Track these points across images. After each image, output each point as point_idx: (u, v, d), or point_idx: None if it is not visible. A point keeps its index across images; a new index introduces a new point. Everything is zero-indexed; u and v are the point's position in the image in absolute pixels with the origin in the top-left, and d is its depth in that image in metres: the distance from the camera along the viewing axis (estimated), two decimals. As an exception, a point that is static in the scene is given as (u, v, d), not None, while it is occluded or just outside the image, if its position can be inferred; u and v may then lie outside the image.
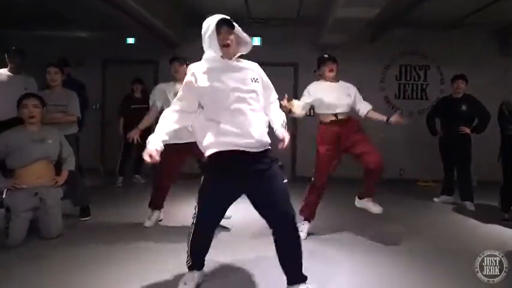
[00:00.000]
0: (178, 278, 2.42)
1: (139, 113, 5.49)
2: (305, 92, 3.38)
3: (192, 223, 2.24)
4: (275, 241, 2.13)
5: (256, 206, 2.13)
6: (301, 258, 2.14)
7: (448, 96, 5.06)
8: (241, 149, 2.02)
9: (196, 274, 2.36)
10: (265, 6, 5.28)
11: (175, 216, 4.00)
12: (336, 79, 3.42)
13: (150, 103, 3.81)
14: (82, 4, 4.90)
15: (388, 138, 6.14)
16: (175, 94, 3.38)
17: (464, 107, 4.72)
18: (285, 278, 2.17)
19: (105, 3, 4.35)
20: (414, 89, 6.73)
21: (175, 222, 3.80)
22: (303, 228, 3.34)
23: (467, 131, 4.72)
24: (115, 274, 2.60)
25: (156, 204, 3.71)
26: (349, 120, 3.34)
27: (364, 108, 3.45)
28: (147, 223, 3.65)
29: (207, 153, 2.10)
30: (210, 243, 2.31)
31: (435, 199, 5.13)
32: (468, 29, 6.27)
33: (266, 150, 2.12)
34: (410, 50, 6.63)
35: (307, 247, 2.44)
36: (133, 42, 6.47)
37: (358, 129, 3.33)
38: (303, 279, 2.15)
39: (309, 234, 3.43)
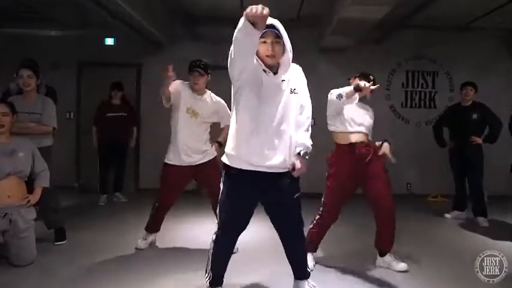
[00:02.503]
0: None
1: (116, 123, 5.48)
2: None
3: (215, 233, 2.39)
4: (283, 243, 2.51)
5: (268, 213, 2.44)
6: (306, 258, 2.59)
7: (456, 105, 5.09)
8: (267, 171, 2.22)
9: None
10: (263, 4, 5.23)
11: (169, 239, 3.88)
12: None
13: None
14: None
15: (395, 151, 6.10)
16: (191, 108, 3.39)
17: (475, 116, 4.76)
18: None
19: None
20: (422, 97, 6.73)
21: (166, 245, 3.73)
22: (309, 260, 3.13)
23: (480, 141, 4.75)
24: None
25: (153, 228, 3.65)
26: (367, 146, 3.16)
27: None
28: (141, 244, 3.57)
29: (231, 163, 2.26)
30: (230, 257, 2.45)
31: (446, 215, 5.13)
32: (478, 33, 6.34)
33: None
34: (417, 54, 6.65)
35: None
36: (112, 43, 6.32)
37: (378, 160, 3.14)
38: (307, 276, 2.57)
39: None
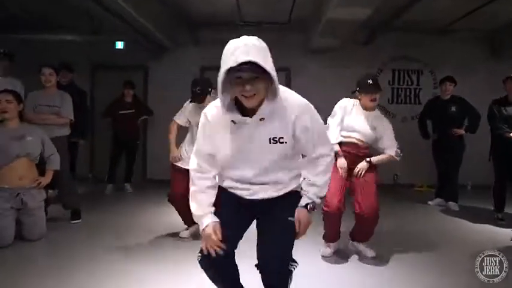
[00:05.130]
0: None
1: (127, 119, 5.66)
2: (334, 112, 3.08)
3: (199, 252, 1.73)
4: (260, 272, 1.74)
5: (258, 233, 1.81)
6: None
7: (436, 98, 5.17)
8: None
9: None
10: (257, 9, 5.35)
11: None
12: (374, 108, 3.10)
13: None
14: (70, 6, 4.90)
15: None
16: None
17: (453, 108, 4.82)
18: None
19: (94, 4, 4.35)
20: (407, 93, 6.81)
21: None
22: (326, 251, 3.13)
23: (461, 132, 4.81)
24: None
25: (187, 221, 3.52)
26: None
27: (387, 151, 3.06)
28: (183, 233, 3.52)
29: (219, 182, 1.82)
30: (236, 273, 1.85)
31: (430, 202, 5.21)
32: (459, 33, 6.38)
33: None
34: (402, 54, 6.71)
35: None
36: (122, 47, 6.47)
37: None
38: None
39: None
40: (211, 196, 1.75)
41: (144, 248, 3.25)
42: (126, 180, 5.82)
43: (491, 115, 4.28)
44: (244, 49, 1.44)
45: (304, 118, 1.62)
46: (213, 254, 1.61)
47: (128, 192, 5.72)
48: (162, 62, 6.61)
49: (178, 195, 3.26)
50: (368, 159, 3.00)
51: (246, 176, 1.71)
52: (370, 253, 3.12)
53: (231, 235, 1.70)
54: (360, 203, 2.91)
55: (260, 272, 1.71)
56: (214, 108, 1.68)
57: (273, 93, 1.53)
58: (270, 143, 1.61)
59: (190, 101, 3.35)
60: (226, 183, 1.79)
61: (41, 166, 3.42)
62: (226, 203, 1.78)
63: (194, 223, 3.47)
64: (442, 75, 5.23)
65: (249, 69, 1.44)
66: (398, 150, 3.06)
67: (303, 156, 1.81)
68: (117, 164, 5.72)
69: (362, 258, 3.10)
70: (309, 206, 1.73)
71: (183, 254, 3.04)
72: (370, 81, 2.98)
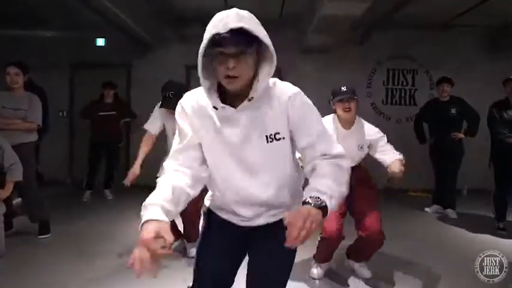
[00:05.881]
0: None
1: (108, 121, 5.35)
2: None
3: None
4: None
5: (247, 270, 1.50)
6: None
7: (435, 99, 4.94)
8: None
9: None
10: (245, 3, 5.02)
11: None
12: (353, 120, 2.74)
13: None
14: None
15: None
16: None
17: (453, 111, 4.63)
18: None
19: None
20: (402, 94, 6.56)
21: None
22: (317, 272, 2.89)
23: (461, 135, 4.63)
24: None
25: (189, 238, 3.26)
26: (356, 169, 2.66)
27: (388, 160, 2.65)
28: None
29: (209, 205, 1.54)
30: None
31: (427, 209, 5.01)
32: (457, 32, 6.19)
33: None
34: (397, 53, 6.48)
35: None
36: (103, 44, 6.13)
37: (364, 180, 2.74)
38: None
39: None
40: (178, 196, 1.26)
41: (119, 264, 2.89)
42: (106, 186, 5.45)
43: (492, 119, 4.07)
44: (236, 17, 1.19)
45: (297, 106, 1.32)
46: (138, 274, 1.04)
47: (108, 199, 5.34)
48: (146, 61, 6.28)
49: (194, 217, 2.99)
50: (399, 157, 2.62)
51: (243, 192, 1.36)
52: (366, 273, 2.89)
53: (229, 268, 1.46)
54: (367, 227, 2.60)
55: None
56: (192, 97, 1.36)
57: (266, 72, 1.27)
58: (267, 142, 1.30)
59: (161, 106, 2.97)
60: (218, 204, 1.46)
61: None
62: (216, 229, 1.48)
63: (177, 239, 3.26)
64: (438, 75, 5.06)
65: (235, 42, 1.17)
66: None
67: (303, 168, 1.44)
68: (97, 169, 5.35)
69: (357, 276, 2.91)
70: (313, 200, 1.15)
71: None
72: (343, 88, 2.66)
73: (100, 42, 6.09)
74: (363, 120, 2.79)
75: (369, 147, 2.73)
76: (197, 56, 1.23)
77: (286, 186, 1.38)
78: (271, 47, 1.24)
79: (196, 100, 1.34)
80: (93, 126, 5.39)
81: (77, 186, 5.68)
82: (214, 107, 1.28)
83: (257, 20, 1.25)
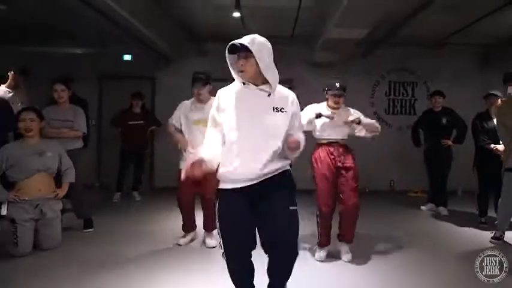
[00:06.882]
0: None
1: (137, 130, 5.63)
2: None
3: (222, 253, 1.98)
4: (269, 257, 1.99)
5: (259, 228, 1.98)
6: (287, 279, 2.04)
7: (429, 110, 5.30)
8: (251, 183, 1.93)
9: None
10: (261, 25, 5.43)
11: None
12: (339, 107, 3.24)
13: None
14: (77, 18, 4.91)
15: (379, 152, 6.29)
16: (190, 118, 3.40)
17: (444, 120, 5.00)
18: None
19: (101, 16, 4.35)
20: (403, 104, 6.92)
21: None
22: (321, 255, 3.24)
23: (450, 143, 4.99)
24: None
25: (186, 227, 3.62)
26: (343, 142, 3.24)
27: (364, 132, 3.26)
28: (181, 241, 3.57)
29: (220, 185, 2.00)
30: (252, 271, 2.05)
31: (422, 207, 5.34)
32: (452, 48, 6.54)
33: (279, 174, 1.97)
34: (398, 67, 6.85)
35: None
36: (130, 59, 6.52)
37: (349, 158, 3.20)
38: None
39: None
40: (216, 150, 1.98)
41: (154, 255, 3.27)
42: (134, 189, 5.81)
43: (474, 129, 4.47)
44: (246, 38, 1.90)
45: (296, 105, 2.04)
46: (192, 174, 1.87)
47: (136, 200, 5.70)
48: (168, 72, 6.63)
49: (185, 196, 3.44)
50: (357, 119, 3.14)
51: (255, 143, 1.91)
52: (346, 257, 3.19)
53: (249, 236, 1.95)
54: (345, 200, 3.09)
55: (271, 252, 1.94)
56: (226, 88, 2.05)
57: (274, 78, 1.96)
58: (274, 111, 1.95)
59: (192, 87, 3.36)
60: (232, 174, 1.93)
61: (56, 178, 3.46)
62: (229, 205, 1.95)
63: (191, 230, 3.62)
64: (436, 87, 5.40)
65: (244, 50, 1.88)
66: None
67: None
68: (126, 173, 5.72)
69: (356, 258, 3.19)
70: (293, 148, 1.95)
71: (194, 263, 3.09)
72: (337, 85, 3.15)
73: (127, 57, 6.49)
74: (350, 108, 3.28)
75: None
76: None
77: (282, 141, 1.96)
78: (261, 60, 1.90)
79: (227, 89, 2.04)
80: (124, 135, 5.68)
81: (106, 190, 6.01)
82: (243, 83, 1.97)
83: (267, 45, 1.96)
